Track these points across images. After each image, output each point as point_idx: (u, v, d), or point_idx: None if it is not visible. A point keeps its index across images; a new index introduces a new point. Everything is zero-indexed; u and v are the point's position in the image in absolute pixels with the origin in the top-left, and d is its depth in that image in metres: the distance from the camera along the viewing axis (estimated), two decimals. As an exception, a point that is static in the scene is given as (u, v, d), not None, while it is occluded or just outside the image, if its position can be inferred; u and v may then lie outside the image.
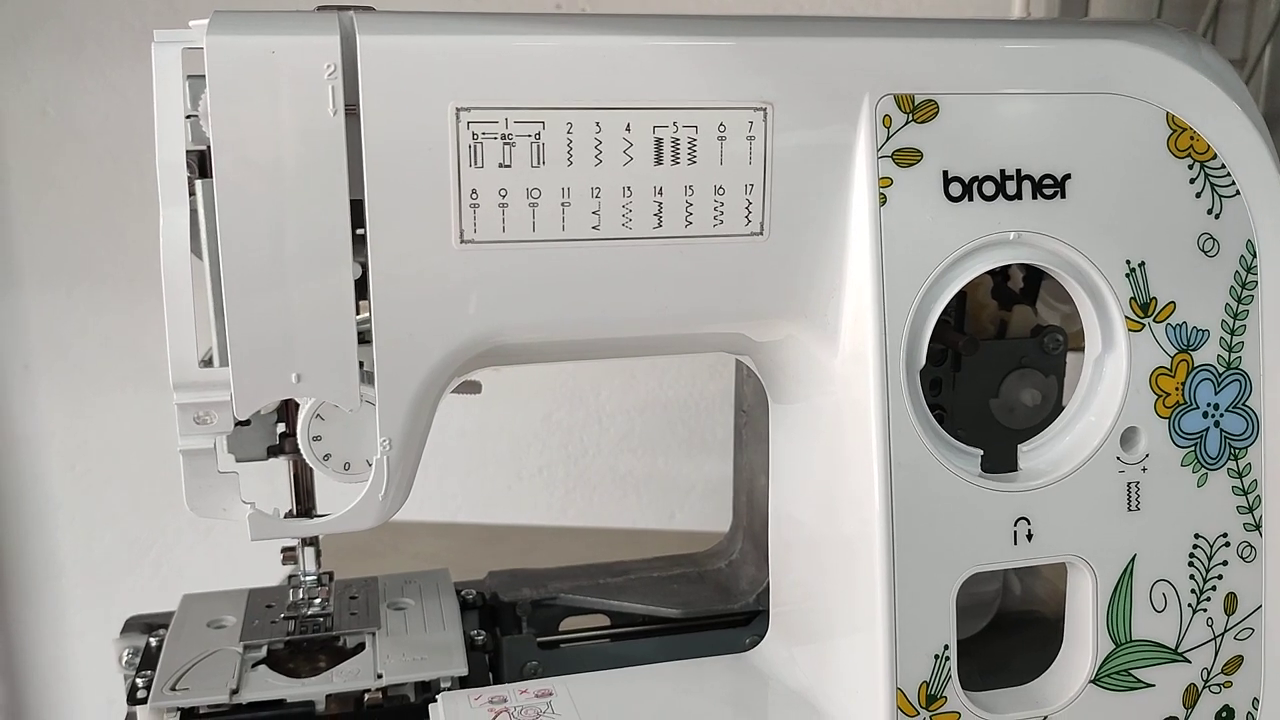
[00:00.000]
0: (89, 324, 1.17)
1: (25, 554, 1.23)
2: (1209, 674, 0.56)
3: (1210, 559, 0.56)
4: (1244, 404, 0.56)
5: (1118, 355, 0.54)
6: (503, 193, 0.48)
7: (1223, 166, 0.54)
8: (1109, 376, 0.54)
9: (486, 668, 0.63)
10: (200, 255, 0.49)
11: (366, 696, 0.59)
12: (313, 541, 0.63)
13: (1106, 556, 0.54)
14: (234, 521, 0.51)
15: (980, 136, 0.52)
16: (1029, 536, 0.54)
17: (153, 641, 0.63)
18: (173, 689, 0.57)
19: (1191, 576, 0.56)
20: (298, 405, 0.52)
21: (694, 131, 0.49)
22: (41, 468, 1.21)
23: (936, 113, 0.51)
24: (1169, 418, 0.55)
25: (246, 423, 0.55)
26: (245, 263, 0.47)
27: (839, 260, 0.52)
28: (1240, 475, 0.56)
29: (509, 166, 0.48)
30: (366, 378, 0.50)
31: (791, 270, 0.52)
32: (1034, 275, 0.59)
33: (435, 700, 0.57)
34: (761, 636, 0.64)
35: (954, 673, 0.53)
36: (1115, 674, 0.55)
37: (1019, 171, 0.52)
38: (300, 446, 0.51)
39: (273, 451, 0.57)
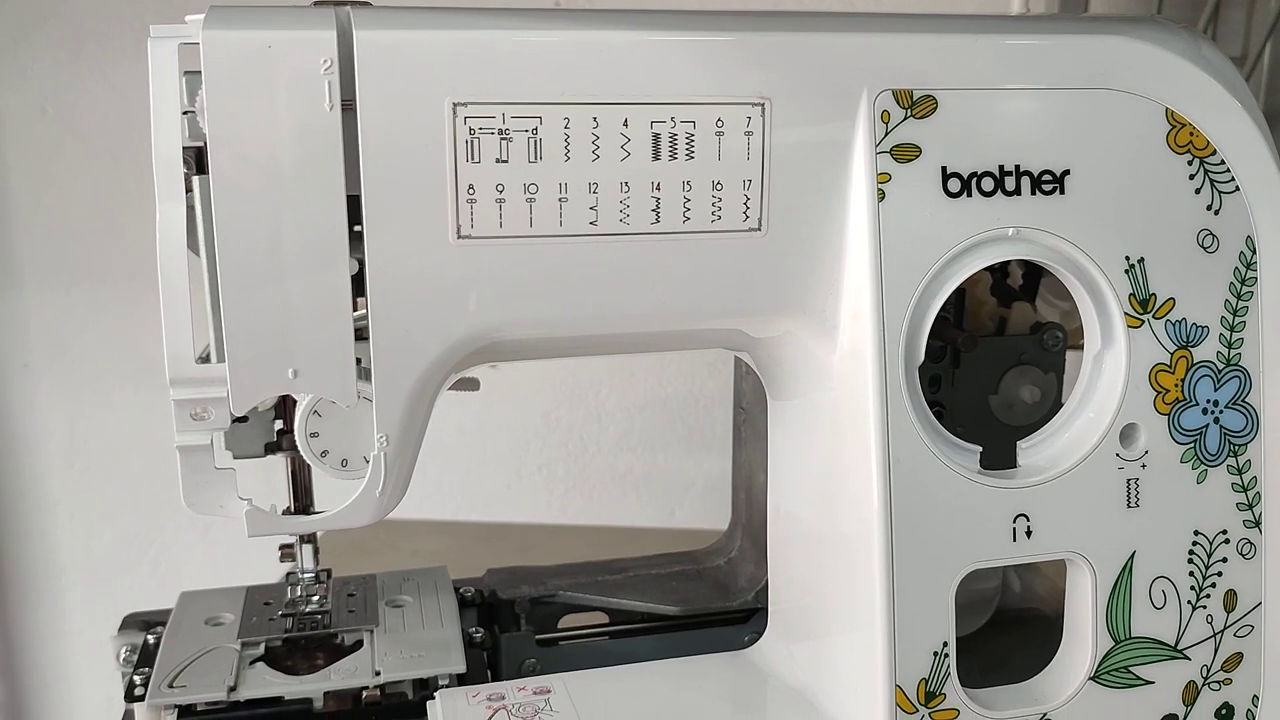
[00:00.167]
0: (88, 322, 1.17)
1: (24, 552, 1.23)
2: (1209, 671, 0.56)
3: (1210, 556, 0.56)
4: (1243, 400, 0.56)
5: (1117, 352, 0.54)
6: (500, 188, 0.48)
7: (1222, 162, 0.54)
8: (1108, 373, 0.54)
9: (485, 665, 0.63)
10: (197, 252, 0.49)
11: (364, 694, 0.59)
12: (311, 539, 0.63)
13: (1106, 553, 0.54)
14: (231, 518, 0.51)
15: (979, 132, 0.52)
16: (1028, 533, 0.53)
17: (150, 639, 0.63)
18: (170, 686, 0.57)
19: (1191, 573, 0.55)
20: (295, 402, 0.52)
21: (692, 127, 0.49)
22: (41, 466, 1.21)
23: (935, 108, 0.51)
24: (1168, 414, 0.55)
25: (244, 419, 0.55)
26: (242, 259, 0.47)
27: (837, 256, 0.52)
28: (1240, 472, 0.56)
29: (506, 162, 0.48)
30: (364, 374, 0.50)
31: (789, 266, 0.52)
32: (1033, 272, 0.59)
33: (433, 697, 0.57)
34: (760, 634, 0.64)
35: (953, 670, 0.53)
36: (1115, 671, 0.55)
37: (1018, 167, 0.52)
38: (297, 443, 0.51)
39: (270, 448, 0.57)
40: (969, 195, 0.52)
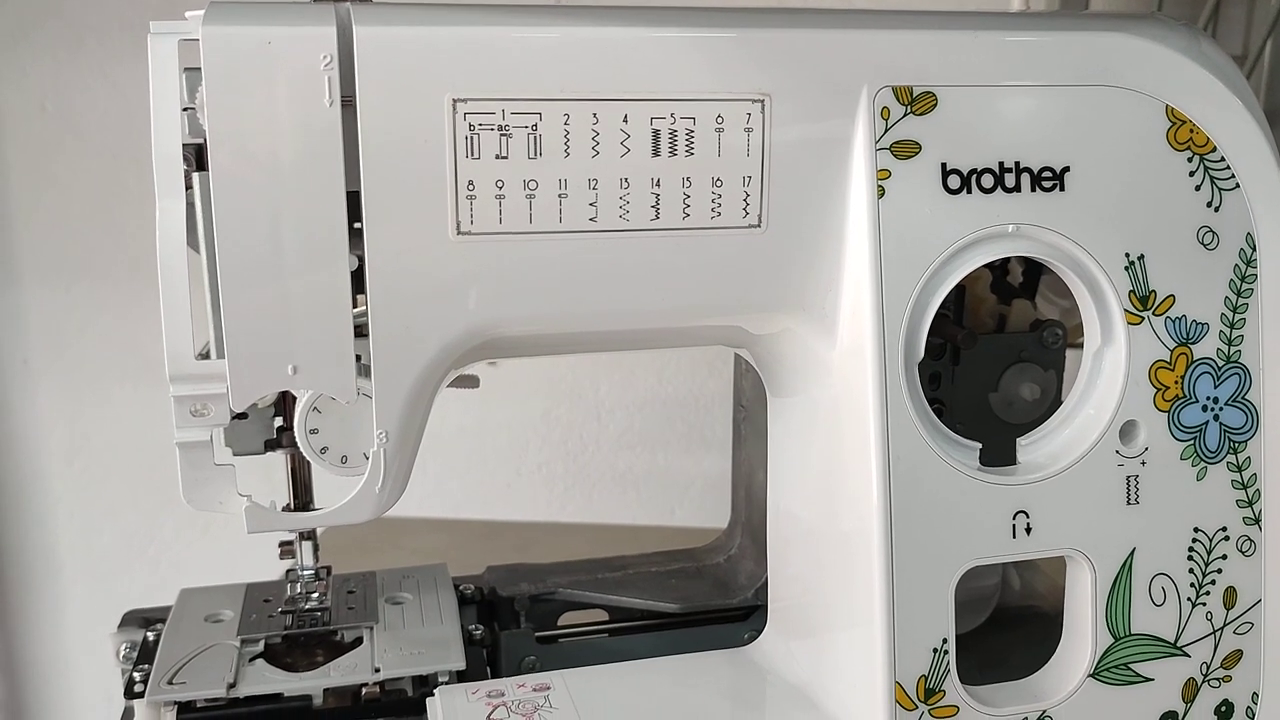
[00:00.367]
0: (89, 320, 1.17)
1: (24, 550, 1.23)
2: (1208, 668, 0.56)
3: (1210, 553, 0.56)
4: (1243, 397, 0.55)
5: (1117, 348, 0.54)
6: (500, 184, 0.48)
7: (1222, 159, 0.54)
8: (1108, 370, 0.54)
9: (484, 662, 0.62)
10: (197, 248, 0.49)
11: (364, 690, 0.59)
12: (310, 536, 0.63)
13: (1105, 550, 0.54)
14: (230, 514, 0.51)
15: (979, 129, 0.52)
16: (1028, 530, 0.53)
17: (150, 636, 0.63)
18: (170, 683, 0.57)
19: (1191, 570, 0.55)
20: (295, 398, 0.52)
21: (691, 123, 0.49)
22: (41, 463, 1.21)
23: (935, 105, 0.51)
24: (1168, 411, 0.55)
25: (244, 416, 0.55)
26: (242, 255, 0.47)
27: (837, 253, 0.52)
28: (1240, 469, 0.56)
29: (506, 158, 0.48)
30: (363, 370, 0.50)
31: (789, 263, 0.52)
32: (1033, 269, 0.59)
33: (433, 694, 0.57)
34: (760, 631, 0.64)
35: (952, 667, 0.53)
36: (1114, 668, 0.55)
37: (1018, 164, 0.52)
38: (297, 439, 0.51)
39: (270, 445, 0.57)
40: (969, 192, 0.52)
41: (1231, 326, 0.55)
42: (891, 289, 0.51)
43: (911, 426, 0.52)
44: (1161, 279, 0.54)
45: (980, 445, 0.54)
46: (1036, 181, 0.52)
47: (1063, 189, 0.53)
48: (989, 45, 0.52)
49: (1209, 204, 0.54)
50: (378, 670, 0.59)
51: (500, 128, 0.47)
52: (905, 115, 0.51)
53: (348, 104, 0.46)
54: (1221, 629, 0.56)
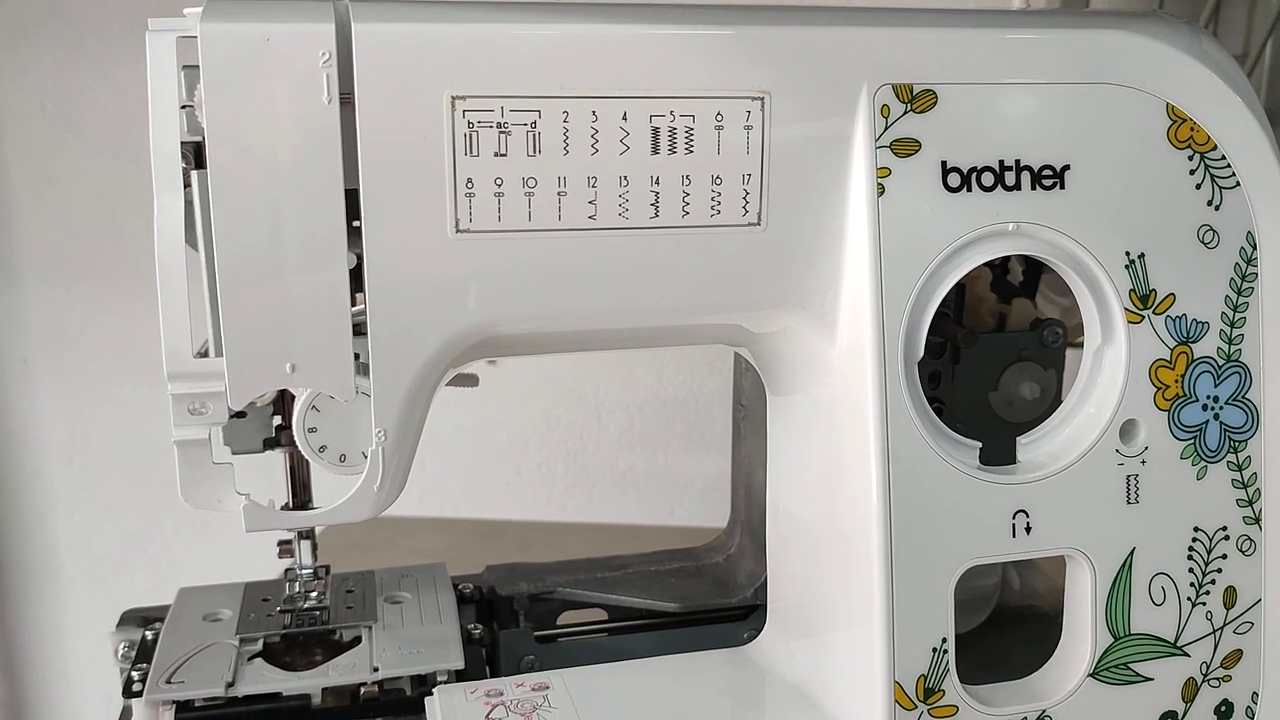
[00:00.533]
0: (88, 319, 1.17)
1: (24, 549, 1.23)
2: (1208, 668, 0.56)
3: (1210, 552, 0.55)
4: (1244, 397, 0.55)
5: (1117, 347, 0.54)
6: (499, 182, 0.48)
7: (1223, 158, 0.54)
8: (1108, 368, 0.54)
9: (483, 661, 0.62)
10: (196, 247, 0.49)
11: (363, 690, 0.59)
12: (309, 535, 0.62)
13: (1105, 549, 0.54)
14: (229, 513, 0.51)
15: (979, 127, 0.51)
16: (1027, 529, 0.53)
17: (148, 635, 0.63)
18: (168, 682, 0.57)
19: (1191, 570, 0.55)
20: (293, 397, 0.52)
21: (691, 121, 0.49)
22: (40, 463, 1.21)
23: (935, 103, 0.51)
24: (1168, 410, 0.54)
25: (242, 414, 0.55)
26: (240, 253, 0.47)
27: (837, 251, 0.52)
28: (1240, 468, 0.56)
29: (505, 156, 0.48)
30: (362, 369, 0.49)
31: (789, 261, 0.52)
32: (1033, 268, 0.59)
33: (431, 694, 0.57)
34: (759, 631, 0.63)
35: (952, 666, 0.53)
36: (1114, 668, 0.55)
37: (1018, 162, 0.52)
38: (296, 438, 0.51)
39: (268, 444, 0.57)
40: (969, 190, 0.52)
41: (1232, 325, 0.55)
42: (891, 287, 0.51)
43: (911, 425, 0.52)
44: (1162, 278, 0.54)
45: (980, 444, 0.54)
46: (1037, 180, 0.52)
47: (1063, 187, 0.52)
48: (989, 43, 0.52)
49: (1209, 202, 0.54)
50: (376, 669, 0.59)
51: (499, 125, 0.47)
52: (905, 113, 0.51)
53: (346, 101, 0.46)
54: (1221, 629, 0.56)
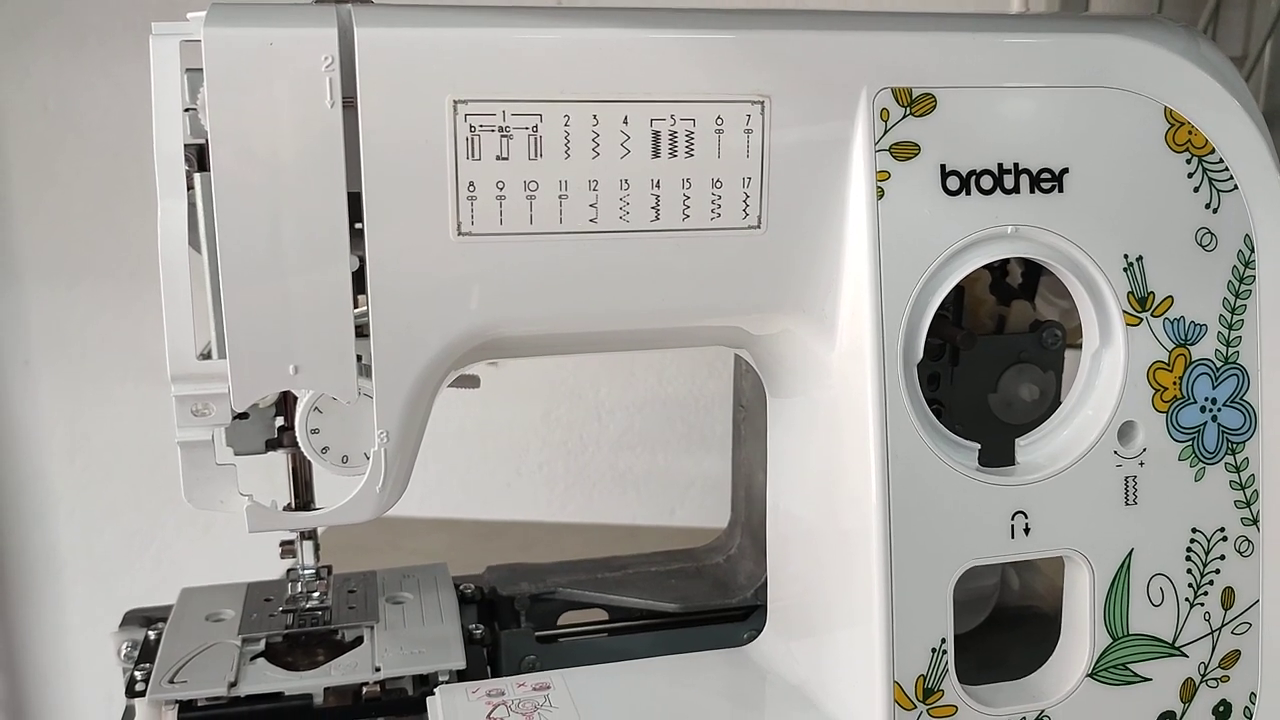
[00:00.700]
0: (90, 319, 1.18)
1: (25, 549, 1.23)
2: (1206, 668, 0.56)
3: (1208, 553, 0.56)
4: (1242, 399, 0.56)
5: (1115, 349, 0.54)
6: (500, 185, 0.48)
7: (1221, 161, 0.54)
8: (1106, 370, 0.54)
9: (484, 661, 0.63)
10: (199, 249, 0.49)
11: (364, 689, 0.59)
12: (311, 535, 0.63)
13: (1104, 550, 0.54)
14: (231, 514, 0.51)
15: (978, 130, 0.52)
16: (1026, 530, 0.54)
17: (151, 634, 0.63)
18: (171, 682, 0.57)
19: (1189, 571, 0.56)
20: (296, 398, 0.52)
21: (691, 124, 0.49)
22: (42, 463, 1.21)
23: (934, 106, 0.51)
24: (1167, 412, 0.55)
25: (245, 416, 0.55)
26: (243, 255, 0.47)
27: (836, 254, 0.52)
28: (1238, 470, 0.56)
29: (506, 159, 0.48)
30: (364, 370, 0.50)
31: (789, 264, 0.52)
32: (1032, 270, 0.59)
33: (433, 693, 0.57)
34: (759, 631, 0.64)
35: (951, 666, 0.53)
36: (1112, 668, 0.55)
37: (1017, 165, 0.52)
38: (298, 439, 0.51)
39: (271, 445, 0.57)
40: (968, 193, 0.52)
41: (1230, 328, 0.55)
42: (891, 290, 0.51)
43: (910, 427, 0.52)
44: (1160, 280, 0.54)
45: (979, 446, 0.54)
46: (1035, 183, 0.52)
47: (1061, 190, 0.53)
48: (988, 47, 0.52)
49: (1207, 205, 0.54)
50: (378, 669, 0.59)
51: (501, 129, 0.47)
52: (904, 117, 0.51)
53: (349, 105, 0.46)
54: (1219, 629, 0.56)
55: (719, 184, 0.50)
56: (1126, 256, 0.54)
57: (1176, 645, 0.56)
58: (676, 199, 0.50)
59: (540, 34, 0.48)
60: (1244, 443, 0.56)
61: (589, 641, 0.69)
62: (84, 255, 1.16)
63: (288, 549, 0.63)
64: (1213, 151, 0.54)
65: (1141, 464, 0.55)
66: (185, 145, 0.48)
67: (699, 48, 0.49)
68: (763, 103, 0.50)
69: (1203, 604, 0.56)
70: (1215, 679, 0.57)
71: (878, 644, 0.52)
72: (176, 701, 0.57)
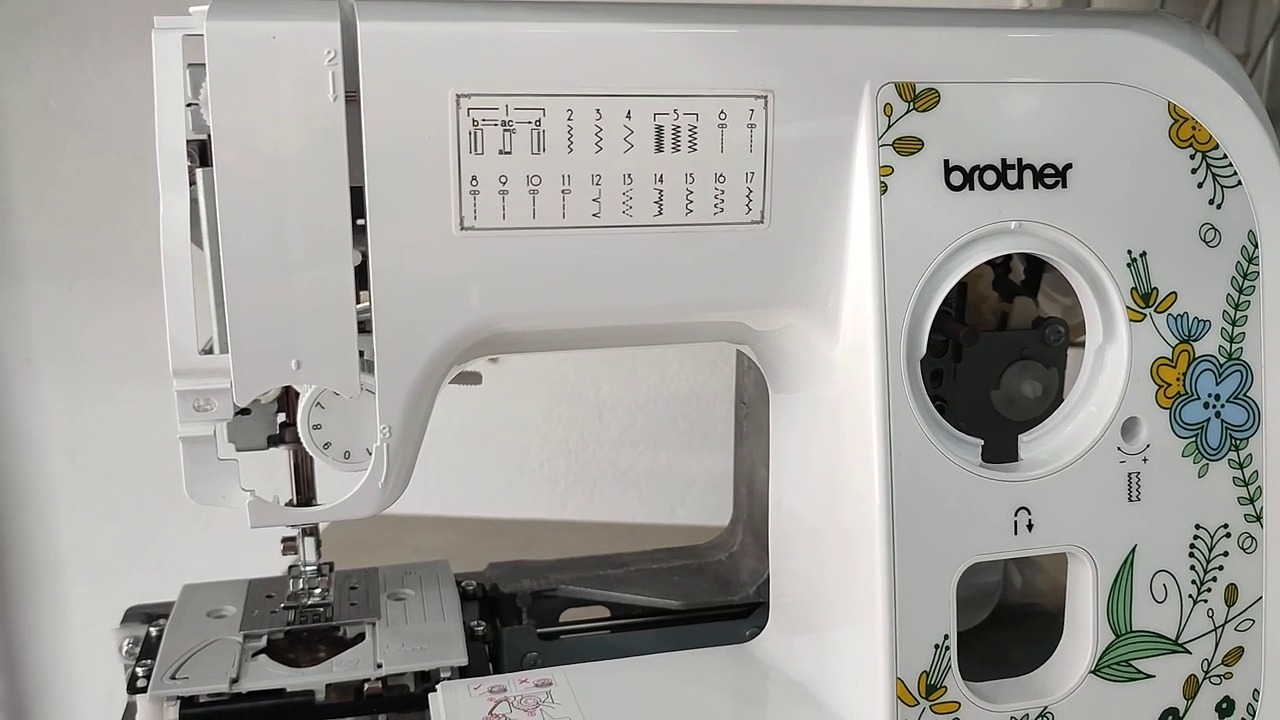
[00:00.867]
0: (91, 317, 1.18)
1: (26, 547, 1.23)
2: (1209, 665, 0.56)
3: (1211, 550, 0.56)
4: (1245, 395, 0.56)
5: (1119, 345, 0.54)
6: (503, 180, 0.48)
7: (1224, 156, 0.54)
8: (1110, 367, 0.54)
9: (486, 658, 0.63)
10: (200, 244, 0.49)
11: (366, 686, 0.59)
12: (313, 532, 0.63)
13: (1107, 547, 0.54)
14: (233, 509, 0.51)
15: (982, 125, 0.52)
16: (1029, 527, 0.53)
17: (153, 631, 0.63)
18: (173, 678, 0.57)
19: (1192, 567, 0.55)
20: (298, 394, 0.52)
21: (695, 119, 0.49)
22: (43, 460, 1.21)
23: (938, 101, 0.51)
24: (1170, 408, 0.55)
25: (247, 411, 0.55)
26: (245, 251, 0.47)
27: (839, 249, 0.52)
28: (1241, 466, 0.56)
29: (509, 153, 0.48)
30: (366, 366, 0.50)
31: (792, 259, 0.52)
32: (1035, 267, 0.59)
33: (435, 690, 0.57)
34: (761, 628, 0.64)
35: (954, 662, 0.53)
36: (1115, 665, 0.55)
37: (1020, 161, 0.52)
38: (300, 435, 0.51)
39: (273, 441, 0.57)
40: (971, 188, 0.52)
41: (1233, 324, 0.55)
42: (894, 285, 0.51)
43: (913, 423, 0.52)
44: (1163, 276, 0.54)
45: (982, 442, 0.54)
46: (1039, 178, 0.52)
47: (1065, 186, 0.53)
48: (992, 42, 0.52)
49: (1211, 201, 0.54)
50: (380, 666, 0.59)
51: (504, 123, 0.47)
52: (908, 112, 0.51)
53: (351, 99, 0.46)
54: (1223, 626, 0.56)
55: (722, 179, 0.50)
56: (1130, 252, 0.54)
57: (1179, 642, 0.56)
58: (680, 194, 0.50)
59: (543, 28, 0.48)
60: (1247, 439, 0.56)
61: (591, 638, 0.69)
62: (85, 254, 1.16)
63: (289, 545, 0.63)
64: (1216, 147, 0.54)
65: (1145, 460, 0.54)
66: (187, 140, 0.48)
67: (703, 42, 0.49)
68: (766, 97, 0.49)
69: (1206, 600, 0.56)
70: (1218, 675, 0.57)
71: (880, 640, 0.52)
72: (178, 698, 0.57)
